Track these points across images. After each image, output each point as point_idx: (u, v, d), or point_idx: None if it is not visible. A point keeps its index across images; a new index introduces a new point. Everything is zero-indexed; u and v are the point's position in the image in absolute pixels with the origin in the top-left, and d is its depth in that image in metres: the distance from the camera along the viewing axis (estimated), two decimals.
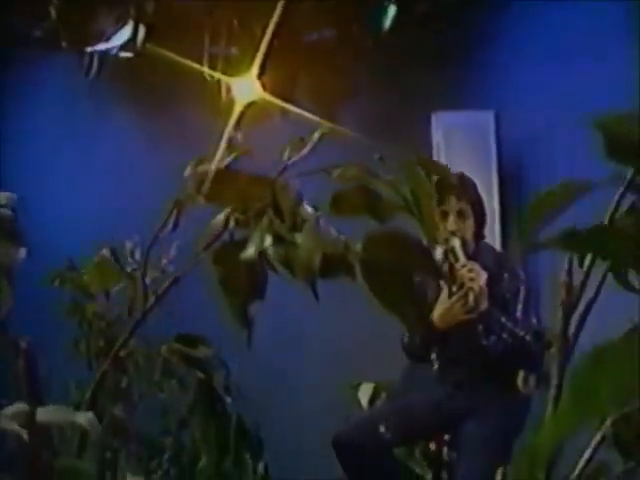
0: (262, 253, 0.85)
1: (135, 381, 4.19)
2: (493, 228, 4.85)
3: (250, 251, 0.85)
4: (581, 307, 1.38)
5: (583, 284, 1.37)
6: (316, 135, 1.11)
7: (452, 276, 3.65)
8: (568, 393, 0.69)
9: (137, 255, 2.79)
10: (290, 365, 5.41)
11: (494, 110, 5.05)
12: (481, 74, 5.18)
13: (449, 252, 3.60)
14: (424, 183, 0.97)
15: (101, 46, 5.23)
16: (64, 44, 5.15)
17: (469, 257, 3.56)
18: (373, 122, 5.08)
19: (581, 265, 1.37)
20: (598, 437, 1.35)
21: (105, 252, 1.23)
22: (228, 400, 1.16)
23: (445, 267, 3.75)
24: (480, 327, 3.52)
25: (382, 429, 3.69)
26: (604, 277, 1.40)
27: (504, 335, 3.50)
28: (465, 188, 3.69)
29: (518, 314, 3.54)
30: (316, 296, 0.94)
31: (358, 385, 4.46)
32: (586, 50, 4.79)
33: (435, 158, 4.97)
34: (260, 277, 0.89)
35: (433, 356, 3.80)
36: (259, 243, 0.85)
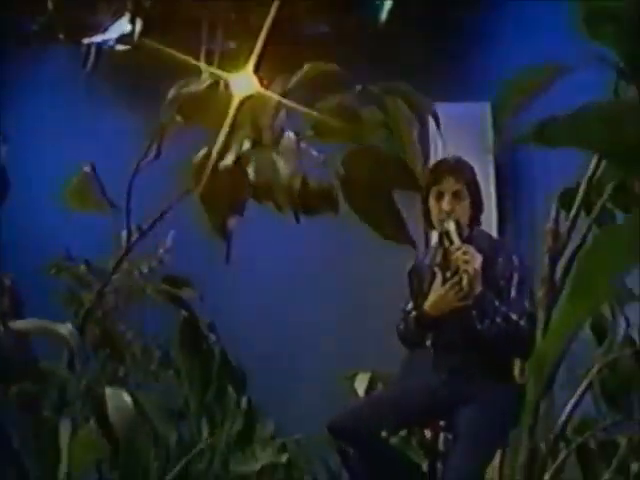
0: (241, 161, 0.85)
1: (132, 371, 4.20)
2: (490, 218, 4.84)
3: (229, 158, 0.85)
4: (567, 253, 1.39)
5: (569, 231, 1.38)
6: (304, 69, 1.11)
7: (446, 262, 3.64)
8: (567, 291, 0.69)
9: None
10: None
11: (491, 101, 5.05)
12: (478, 64, 5.19)
13: (444, 236, 3.59)
14: (403, 109, 0.97)
15: (98, 38, 5.23)
16: (61, 36, 5.16)
17: (464, 241, 3.54)
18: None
19: (568, 210, 1.39)
20: (584, 384, 1.36)
21: (87, 169, 1.22)
22: (212, 337, 1.16)
23: (439, 253, 3.75)
24: (474, 311, 3.50)
25: (378, 416, 3.68)
26: (590, 226, 1.41)
27: (498, 319, 3.48)
28: (462, 170, 3.68)
29: (512, 299, 3.52)
30: (297, 219, 0.94)
31: (354, 375, 4.45)
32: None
33: (432, 149, 4.98)
34: (240, 191, 0.89)
35: (428, 343, 3.79)
36: (238, 149, 0.85)
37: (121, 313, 3.87)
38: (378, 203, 0.85)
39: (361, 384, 4.37)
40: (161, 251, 4.25)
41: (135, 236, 1.18)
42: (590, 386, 1.38)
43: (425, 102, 1.03)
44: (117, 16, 5.29)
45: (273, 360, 5.22)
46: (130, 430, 0.92)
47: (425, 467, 3.96)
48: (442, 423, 3.88)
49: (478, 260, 3.44)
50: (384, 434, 3.76)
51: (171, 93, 1.00)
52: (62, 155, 5.84)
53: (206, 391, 1.06)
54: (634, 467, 1.35)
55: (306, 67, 1.08)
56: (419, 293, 3.76)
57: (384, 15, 5.28)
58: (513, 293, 3.51)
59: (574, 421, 1.45)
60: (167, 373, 4.60)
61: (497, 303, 3.47)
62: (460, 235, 3.53)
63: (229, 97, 0.91)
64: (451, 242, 3.51)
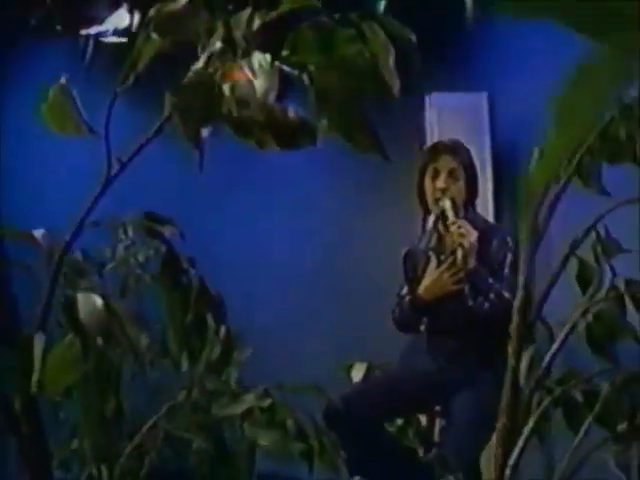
0: (214, 68, 0.86)
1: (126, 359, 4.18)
2: (487, 208, 4.85)
3: (200, 62, 0.85)
4: (550, 198, 1.39)
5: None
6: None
7: (441, 245, 3.65)
8: (552, 122, 0.68)
9: None
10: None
11: (487, 91, 5.07)
12: (475, 55, 5.19)
13: (439, 217, 3.60)
14: (380, 35, 0.97)
15: (95, 30, 5.25)
16: (58, 28, 5.17)
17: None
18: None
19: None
20: (568, 327, 1.36)
21: (63, 81, 1.21)
22: (192, 272, 1.16)
23: (434, 237, 3.75)
24: (467, 288, 3.50)
25: (373, 401, 3.68)
26: (571, 176, 1.42)
27: (491, 296, 3.48)
28: (458, 150, 3.70)
29: (505, 277, 3.52)
30: (281, 144, 0.94)
31: (351, 366, 4.45)
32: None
33: (428, 139, 4.99)
34: (212, 98, 0.89)
35: (422, 327, 3.80)
36: (210, 48, 0.86)
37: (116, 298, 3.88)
38: (349, 112, 0.85)
39: (357, 374, 4.37)
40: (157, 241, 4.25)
41: (115, 169, 1.18)
42: (573, 331, 1.37)
43: (404, 30, 1.03)
44: (115, 8, 5.31)
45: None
46: (100, 329, 0.92)
47: (421, 453, 3.96)
48: (438, 408, 3.88)
49: (473, 235, 3.45)
50: (380, 420, 3.77)
51: (147, 17, 1.00)
52: (63, 152, 5.85)
53: (185, 318, 1.06)
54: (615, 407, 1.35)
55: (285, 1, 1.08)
56: (414, 278, 3.77)
57: (382, 6, 5.29)
58: (506, 271, 3.52)
59: (559, 371, 1.45)
60: (162, 362, 4.59)
61: (490, 280, 3.48)
62: (456, 213, 3.55)
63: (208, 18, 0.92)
64: (446, 219, 3.52)
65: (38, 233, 1.04)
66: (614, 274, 1.48)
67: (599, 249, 1.45)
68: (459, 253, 3.44)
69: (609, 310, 1.45)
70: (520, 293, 1.28)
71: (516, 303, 1.28)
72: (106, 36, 5.19)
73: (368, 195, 5.39)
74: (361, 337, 4.96)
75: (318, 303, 5.23)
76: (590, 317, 1.43)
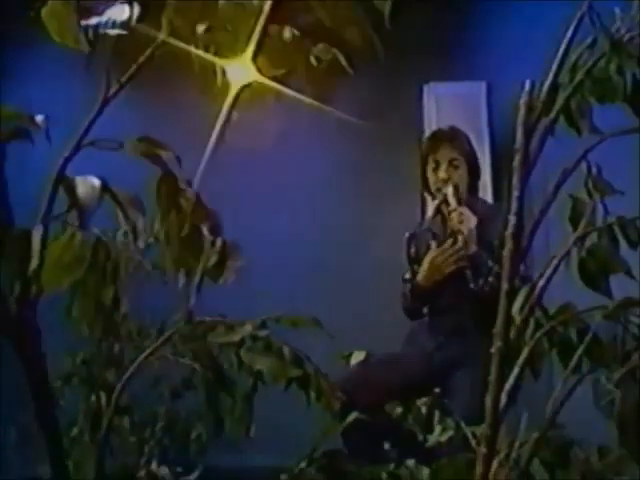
0: None
1: (128, 348, 4.20)
2: (485, 198, 4.87)
3: None
4: (542, 128, 1.41)
5: (545, 105, 1.39)
6: None
7: (444, 229, 3.69)
8: None
9: None
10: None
11: (486, 80, 5.09)
12: (474, 44, 5.22)
13: (441, 203, 3.65)
14: None
15: (94, 21, 5.27)
16: None
17: (460, 205, 3.60)
18: (365, 92, 5.12)
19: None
20: (562, 252, 1.37)
21: None
22: (190, 192, 1.18)
23: (437, 222, 3.79)
24: (468, 271, 3.54)
25: (372, 383, 3.70)
26: (567, 98, 1.43)
27: (491, 279, 3.51)
28: (457, 138, 3.75)
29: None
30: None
31: (350, 354, 4.45)
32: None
33: (426, 128, 5.01)
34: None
35: (425, 309, 3.83)
36: None
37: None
38: (343, 8, 0.87)
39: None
40: (157, 227, 4.26)
41: (114, 88, 1.20)
42: (567, 260, 1.39)
43: None
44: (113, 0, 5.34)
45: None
46: (95, 202, 0.94)
47: (420, 437, 3.96)
48: (437, 390, 3.89)
49: (472, 221, 3.50)
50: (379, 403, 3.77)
51: None
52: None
53: (181, 230, 1.08)
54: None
55: None
56: (416, 261, 3.81)
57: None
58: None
59: (553, 306, 1.46)
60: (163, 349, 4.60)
61: (491, 263, 3.51)
62: (458, 200, 3.60)
63: None
64: (448, 205, 3.58)
65: (39, 117, 1.06)
66: (607, 212, 1.50)
67: (590, 184, 1.47)
68: (459, 238, 3.50)
69: (602, 245, 1.46)
70: (513, 219, 1.30)
71: (509, 229, 1.30)
72: (105, 28, 5.22)
73: (369, 180, 5.41)
74: (361, 323, 4.97)
75: (316, 286, 5.23)
76: (584, 252, 1.45)
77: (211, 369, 1.30)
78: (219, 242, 1.10)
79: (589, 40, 1.45)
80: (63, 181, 0.95)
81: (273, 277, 5.25)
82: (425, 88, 5.13)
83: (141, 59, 1.30)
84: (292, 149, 5.43)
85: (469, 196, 3.73)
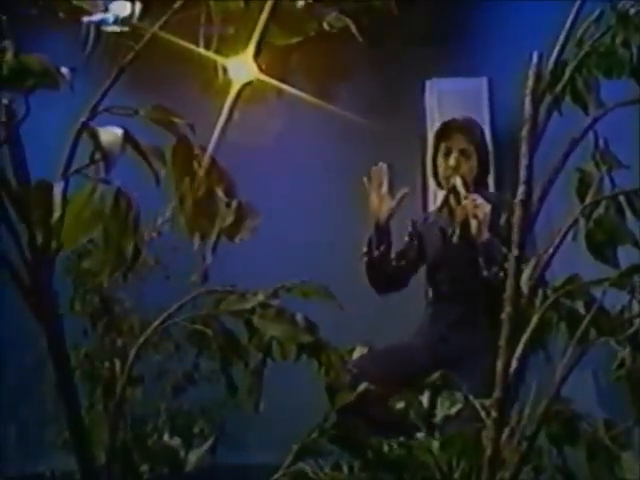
0: None
1: (130, 341, 4.21)
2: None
3: None
4: (549, 98, 1.42)
5: (553, 72, 1.41)
6: None
7: (452, 218, 3.70)
8: None
9: None
10: None
11: (487, 76, 5.11)
12: (475, 40, 5.24)
13: (450, 193, 3.67)
14: None
15: (97, 17, 5.29)
16: (61, 15, 5.22)
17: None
18: (368, 88, 5.14)
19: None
20: (569, 222, 1.38)
21: None
22: (205, 156, 1.19)
23: (445, 212, 3.80)
24: (481, 259, 3.53)
25: (374, 373, 3.69)
26: (573, 70, 1.45)
27: (505, 265, 3.51)
28: (471, 129, 3.78)
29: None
30: None
31: (352, 349, 4.44)
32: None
33: (429, 124, 5.03)
34: None
35: (430, 296, 3.84)
36: None
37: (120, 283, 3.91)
38: None
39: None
40: (160, 220, 4.28)
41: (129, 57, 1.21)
42: (574, 230, 1.40)
43: None
44: None
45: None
46: (118, 149, 0.96)
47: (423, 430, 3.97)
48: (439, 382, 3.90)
49: (487, 207, 3.50)
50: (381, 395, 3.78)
51: None
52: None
53: (195, 196, 1.09)
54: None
55: None
56: (411, 248, 3.85)
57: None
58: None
59: (559, 279, 1.48)
60: (166, 345, 4.64)
61: (504, 250, 3.50)
62: (466, 190, 3.61)
63: None
64: (458, 195, 3.59)
65: (65, 69, 1.08)
66: (614, 185, 1.51)
67: (598, 156, 1.48)
68: (473, 224, 3.50)
69: (610, 216, 1.47)
70: (521, 188, 1.31)
71: (518, 196, 1.32)
72: (108, 24, 5.24)
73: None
74: (361, 322, 4.98)
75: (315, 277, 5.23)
76: (591, 223, 1.46)
77: (223, 335, 1.31)
78: (234, 203, 1.11)
79: (595, 14, 1.47)
80: (87, 130, 0.96)
81: (273, 277, 5.25)
82: (427, 84, 5.15)
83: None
84: (294, 146, 5.44)
85: (478, 189, 3.74)
